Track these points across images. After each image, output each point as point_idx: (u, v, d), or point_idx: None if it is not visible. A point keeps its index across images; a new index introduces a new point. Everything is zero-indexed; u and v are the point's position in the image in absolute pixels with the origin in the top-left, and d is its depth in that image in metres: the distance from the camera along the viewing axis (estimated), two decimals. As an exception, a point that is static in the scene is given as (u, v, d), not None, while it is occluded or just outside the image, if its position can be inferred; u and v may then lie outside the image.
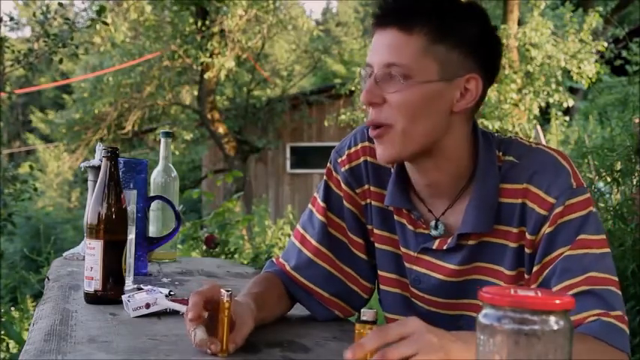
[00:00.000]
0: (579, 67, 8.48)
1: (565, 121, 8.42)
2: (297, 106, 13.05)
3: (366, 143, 1.34)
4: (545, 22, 8.46)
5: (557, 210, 1.14)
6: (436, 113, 1.18)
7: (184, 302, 1.29)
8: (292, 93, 13.77)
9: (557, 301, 0.66)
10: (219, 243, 4.05)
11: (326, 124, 11.58)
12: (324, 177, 1.40)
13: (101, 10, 4.72)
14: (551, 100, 8.45)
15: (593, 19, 8.62)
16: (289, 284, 1.37)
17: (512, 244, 1.19)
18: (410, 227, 1.29)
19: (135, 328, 1.17)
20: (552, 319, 0.65)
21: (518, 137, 1.30)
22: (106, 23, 5.07)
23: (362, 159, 1.34)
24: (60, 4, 4.78)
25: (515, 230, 1.19)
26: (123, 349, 1.04)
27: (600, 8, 9.50)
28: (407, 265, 1.31)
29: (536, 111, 8.31)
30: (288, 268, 1.38)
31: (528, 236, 1.17)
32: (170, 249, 1.99)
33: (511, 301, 0.66)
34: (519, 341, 0.65)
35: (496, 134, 1.28)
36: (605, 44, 8.91)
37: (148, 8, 11.80)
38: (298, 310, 1.40)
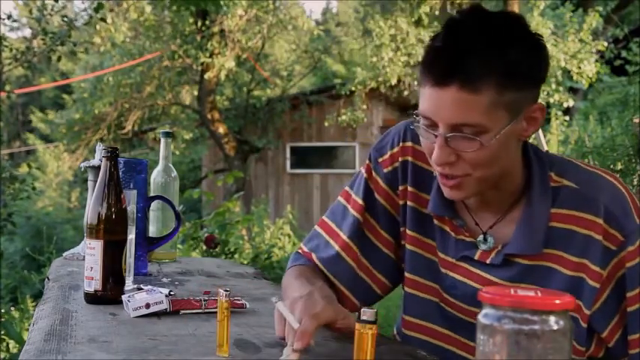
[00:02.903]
0: (579, 67, 8.48)
1: (565, 121, 8.42)
2: (297, 106, 13.04)
3: (409, 143, 1.32)
4: (545, 22, 8.46)
5: (631, 248, 1.15)
6: (510, 150, 1.16)
7: (184, 304, 1.29)
8: (292, 93, 13.76)
9: (557, 301, 0.66)
10: (219, 243, 4.05)
11: (326, 124, 11.59)
12: (363, 174, 1.37)
13: (99, 7, 4.72)
14: (551, 100, 8.45)
15: (593, 19, 8.62)
16: None
17: (567, 272, 1.18)
18: (451, 233, 1.27)
19: (135, 328, 1.17)
20: (552, 319, 0.65)
21: (570, 158, 1.28)
22: (104, 20, 5.07)
23: (401, 159, 1.32)
24: (56, 0, 4.77)
25: (572, 258, 1.17)
26: (123, 349, 1.04)
27: (600, 8, 9.50)
28: (443, 270, 1.29)
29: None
30: (314, 257, 1.38)
31: (594, 268, 1.16)
32: (170, 249, 1.99)
33: (511, 301, 0.66)
34: (519, 341, 0.65)
35: (546, 152, 1.26)
36: (605, 44, 8.91)
37: (148, 8, 11.80)
38: (298, 310, 1.40)
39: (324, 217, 1.42)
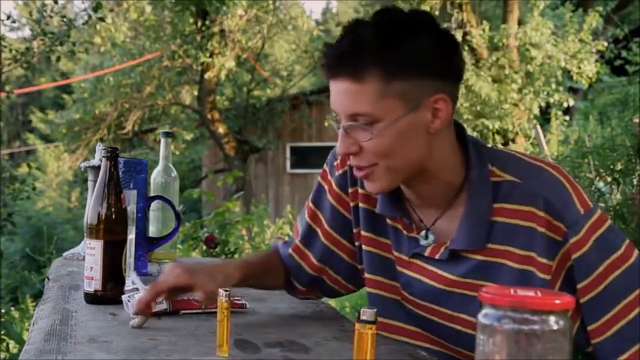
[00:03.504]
0: (579, 67, 8.47)
1: (565, 120, 8.42)
2: (297, 106, 13.04)
3: None
4: (545, 22, 8.46)
5: (575, 239, 1.15)
6: (414, 141, 1.17)
7: (184, 304, 1.29)
8: (292, 93, 13.76)
9: (557, 301, 0.66)
10: (219, 243, 4.05)
11: (326, 124, 11.57)
12: (318, 178, 1.42)
13: (97, 7, 4.72)
14: (551, 100, 8.45)
15: (593, 19, 8.62)
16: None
17: (516, 265, 1.18)
18: (404, 231, 1.29)
19: (135, 328, 1.17)
20: (552, 319, 0.65)
21: (512, 151, 1.29)
22: (103, 20, 5.08)
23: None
24: (55, 1, 4.77)
25: (518, 252, 1.17)
26: (123, 349, 1.04)
27: (600, 8, 9.49)
28: (399, 268, 1.31)
29: (537, 111, 8.31)
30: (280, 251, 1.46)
31: (542, 260, 1.16)
32: (170, 249, 1.99)
33: (511, 301, 0.66)
34: (519, 341, 0.65)
35: (486, 146, 1.26)
36: (605, 44, 8.91)
37: (148, 8, 11.81)
38: (298, 310, 1.40)
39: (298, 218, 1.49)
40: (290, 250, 1.43)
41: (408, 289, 1.30)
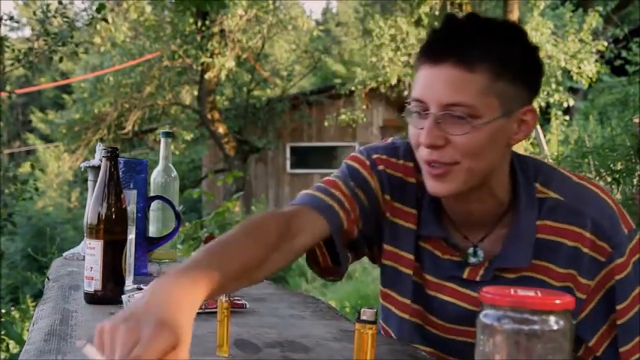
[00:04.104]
0: (579, 67, 8.48)
1: (565, 120, 8.43)
2: (297, 106, 13.05)
3: (378, 155, 1.28)
4: (545, 22, 8.47)
5: (620, 261, 1.14)
6: (497, 149, 1.13)
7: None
8: (292, 93, 13.77)
9: (558, 301, 0.66)
10: (219, 243, 4.04)
11: (326, 124, 11.60)
12: (351, 162, 1.29)
13: (100, 8, 4.73)
14: (551, 100, 8.46)
15: (593, 19, 8.63)
16: None
17: (555, 283, 1.17)
18: (438, 253, 1.25)
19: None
20: (552, 319, 0.65)
21: (556, 166, 1.26)
22: (105, 20, 5.09)
23: (398, 174, 1.27)
24: (60, 2, 4.79)
25: (559, 270, 1.17)
26: (123, 349, 1.04)
27: (600, 8, 9.50)
28: (430, 292, 1.26)
29: (536, 111, 8.31)
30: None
31: (582, 280, 1.16)
32: (170, 249, 1.99)
33: (511, 301, 0.66)
34: (519, 341, 0.65)
35: (529, 159, 1.24)
36: (605, 44, 8.91)
37: (148, 8, 11.81)
38: (298, 310, 1.40)
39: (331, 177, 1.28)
40: (329, 200, 1.20)
41: (440, 314, 1.25)
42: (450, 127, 1.10)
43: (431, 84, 1.11)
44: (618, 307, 1.15)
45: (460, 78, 1.08)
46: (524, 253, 1.17)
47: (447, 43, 1.10)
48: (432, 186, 1.15)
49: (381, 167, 1.27)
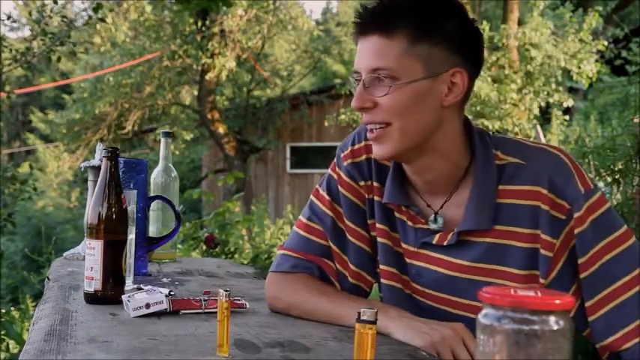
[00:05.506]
0: (579, 67, 8.48)
1: (565, 120, 8.43)
2: (297, 106, 13.04)
3: (370, 142, 1.35)
4: (545, 22, 8.47)
5: (577, 215, 1.17)
6: (427, 109, 1.21)
7: (184, 304, 1.29)
8: (292, 93, 13.76)
9: (558, 301, 0.66)
10: (219, 243, 4.05)
11: (326, 124, 11.58)
12: (329, 171, 1.42)
13: (97, 8, 4.73)
14: (551, 100, 8.46)
15: (593, 19, 8.62)
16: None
17: (524, 244, 1.21)
18: (409, 223, 1.32)
19: (135, 328, 1.17)
20: (552, 319, 0.65)
21: (519, 138, 1.32)
22: (103, 20, 5.08)
23: (364, 156, 1.37)
24: (55, 2, 4.78)
25: (525, 231, 1.21)
26: (123, 349, 1.04)
27: (600, 8, 9.50)
28: (408, 260, 1.33)
29: (536, 111, 8.32)
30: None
31: (546, 237, 1.19)
32: (170, 249, 1.99)
33: (511, 301, 0.66)
34: (519, 341, 0.65)
35: (494, 134, 1.30)
36: (605, 44, 8.91)
37: (148, 8, 11.80)
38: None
39: (301, 218, 1.42)
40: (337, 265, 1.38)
41: (418, 279, 1.32)
42: (375, 90, 1.21)
43: (361, 54, 1.24)
44: (580, 262, 1.19)
45: (382, 45, 1.20)
46: (484, 215, 1.22)
47: (371, 17, 1.22)
48: (374, 150, 1.27)
49: (347, 162, 1.38)
